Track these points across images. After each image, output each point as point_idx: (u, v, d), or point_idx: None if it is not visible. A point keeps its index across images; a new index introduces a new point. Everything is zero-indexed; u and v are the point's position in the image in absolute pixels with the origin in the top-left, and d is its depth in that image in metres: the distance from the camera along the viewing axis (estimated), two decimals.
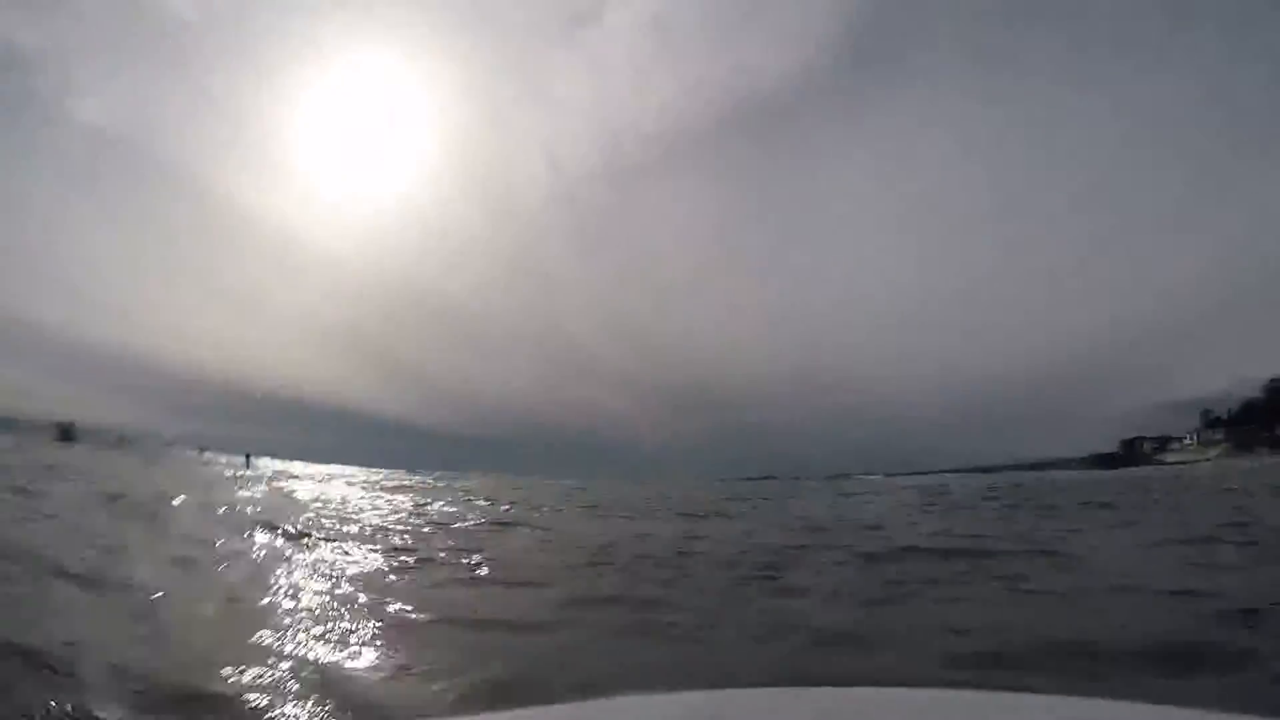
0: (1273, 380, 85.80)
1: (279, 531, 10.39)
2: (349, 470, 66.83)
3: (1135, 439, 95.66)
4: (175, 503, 13.86)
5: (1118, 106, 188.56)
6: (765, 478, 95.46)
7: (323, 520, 13.06)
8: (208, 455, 66.39)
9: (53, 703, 3.06)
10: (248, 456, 62.92)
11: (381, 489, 29.16)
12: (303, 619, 5.24)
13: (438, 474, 69.96)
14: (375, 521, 13.56)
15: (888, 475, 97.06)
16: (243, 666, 3.82)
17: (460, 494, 27.31)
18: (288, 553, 8.77)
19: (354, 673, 4.09)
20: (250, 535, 10.02)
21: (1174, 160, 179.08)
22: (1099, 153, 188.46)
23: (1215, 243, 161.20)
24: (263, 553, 8.70)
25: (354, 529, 11.88)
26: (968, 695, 1.41)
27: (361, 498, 21.84)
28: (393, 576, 7.55)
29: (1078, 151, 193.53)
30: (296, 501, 18.68)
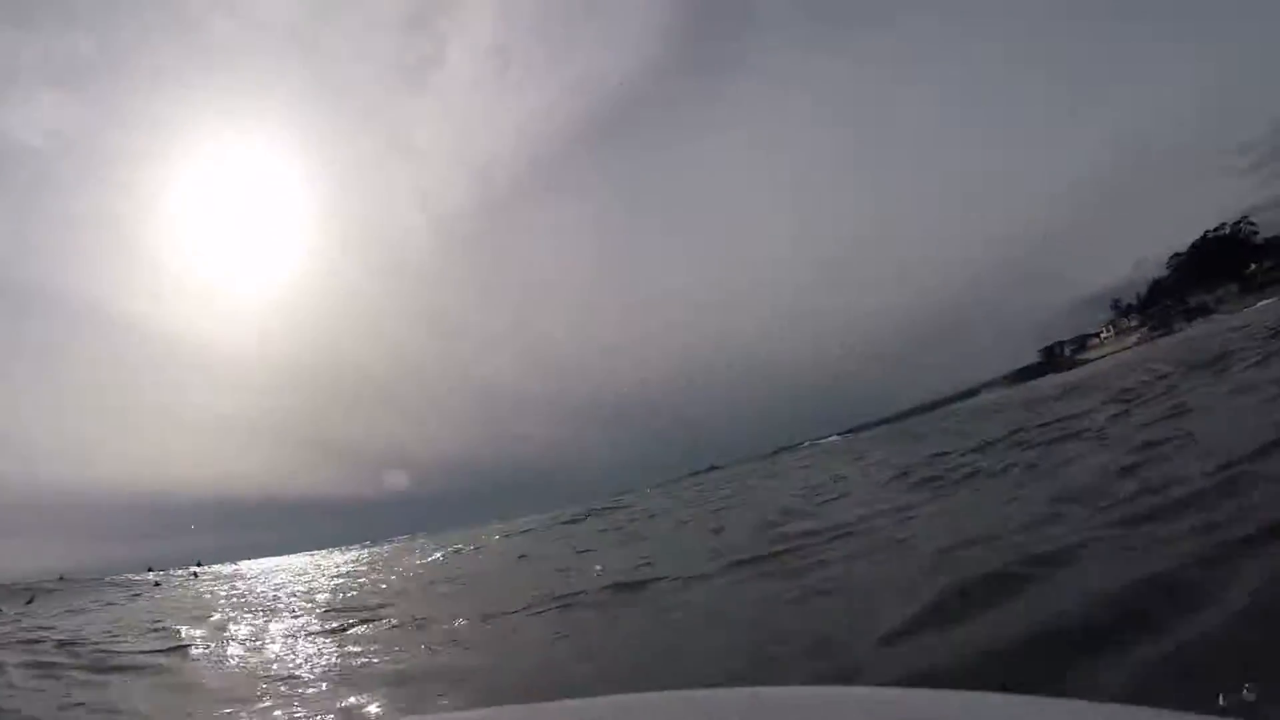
0: (1174, 255, 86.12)
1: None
2: (289, 560, 66.31)
3: (1053, 345, 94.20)
4: None
5: (980, 13, 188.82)
6: (710, 469, 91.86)
7: None
8: (152, 575, 58.26)
9: None
10: (149, 569, 62.29)
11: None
12: None
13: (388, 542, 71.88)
14: None
15: (814, 441, 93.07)
16: None
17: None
18: None
19: None
20: None
21: (1040, 60, 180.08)
22: (960, 68, 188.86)
23: (1090, 136, 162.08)
24: None
25: None
26: (967, 696, 1.39)
27: None
28: None
29: (938, 72, 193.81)
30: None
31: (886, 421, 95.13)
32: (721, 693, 1.47)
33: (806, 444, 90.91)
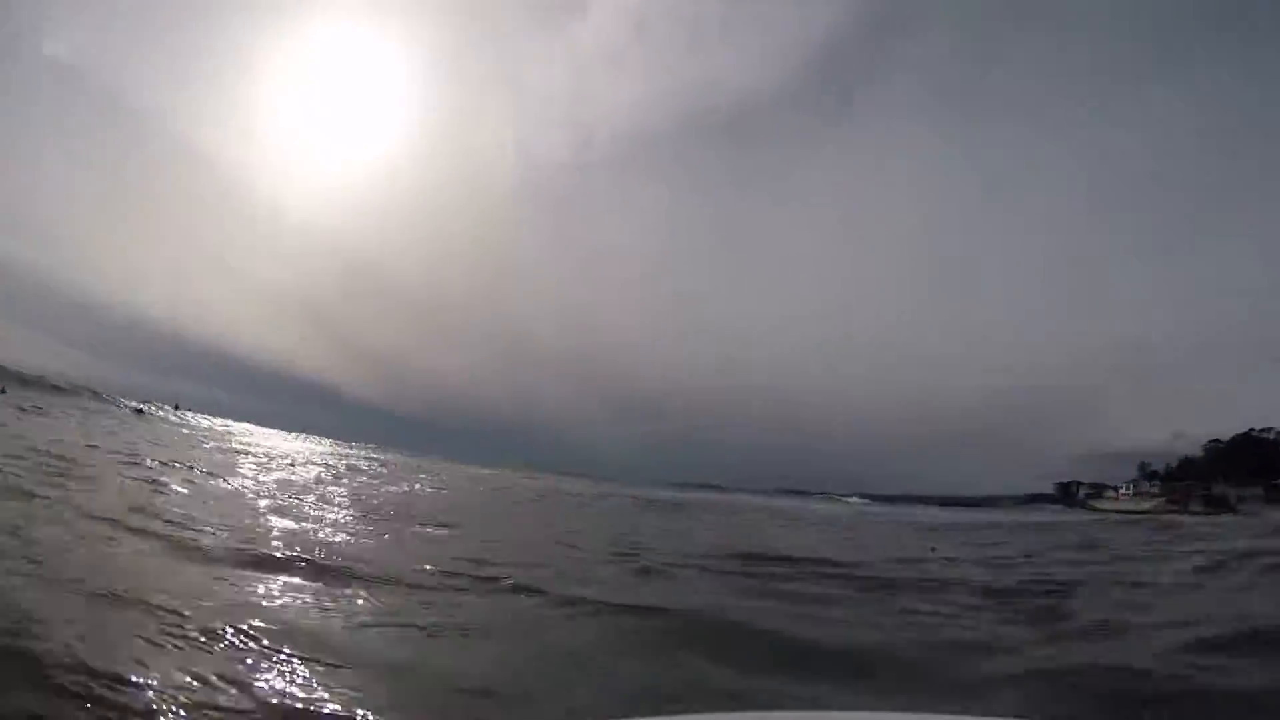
0: (1211, 441, 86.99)
1: None
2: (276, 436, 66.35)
3: (1071, 483, 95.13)
4: None
5: (1076, 153, 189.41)
6: (712, 487, 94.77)
7: None
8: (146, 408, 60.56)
9: None
10: (176, 406, 67.11)
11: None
12: None
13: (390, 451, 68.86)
14: None
15: (824, 495, 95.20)
16: None
17: None
18: None
19: None
20: None
21: (1134, 211, 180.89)
22: (1054, 196, 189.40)
23: (1165, 300, 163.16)
24: None
25: None
26: None
27: None
28: None
29: (1033, 194, 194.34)
30: None
31: (890, 500, 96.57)
32: (727, 717, 1.41)
33: (819, 495, 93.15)
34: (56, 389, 52.19)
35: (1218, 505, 67.25)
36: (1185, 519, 53.16)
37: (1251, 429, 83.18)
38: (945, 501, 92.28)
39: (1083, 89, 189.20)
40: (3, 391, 37.06)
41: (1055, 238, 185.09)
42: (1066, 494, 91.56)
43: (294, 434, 79.87)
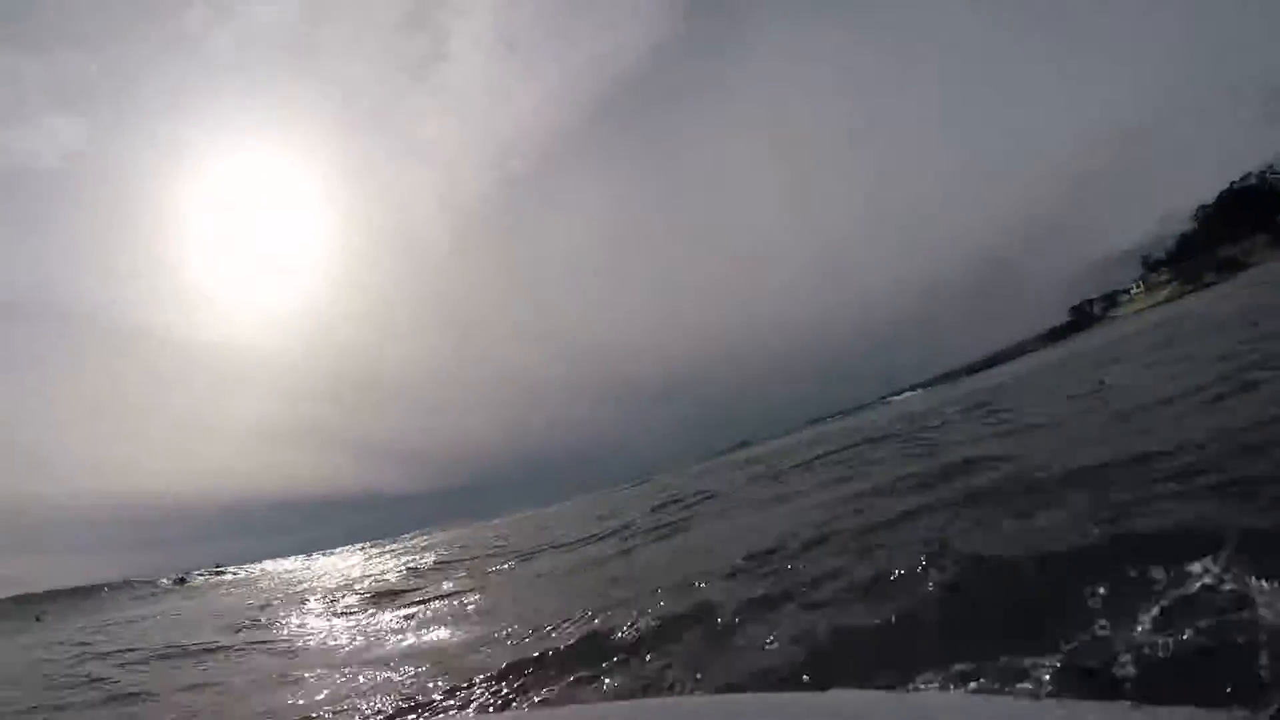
0: (1200, 208, 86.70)
1: None
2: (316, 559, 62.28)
3: (1083, 303, 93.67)
4: None
5: None
6: (740, 445, 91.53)
7: None
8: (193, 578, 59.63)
9: None
10: (181, 578, 59.47)
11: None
12: None
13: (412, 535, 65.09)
14: None
15: (855, 409, 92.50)
16: None
17: None
18: None
19: None
20: None
21: (1057, 11, 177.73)
22: (976, 20, 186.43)
23: (1106, 89, 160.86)
24: None
25: None
26: (954, 697, 1.57)
27: None
28: None
29: (952, 46, 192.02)
30: None
31: (925, 385, 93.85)
32: (720, 699, 1.35)
33: (837, 416, 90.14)
34: (94, 590, 50.89)
35: (1230, 267, 65.99)
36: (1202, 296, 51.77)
37: (1231, 182, 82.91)
38: (974, 368, 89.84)
39: None
40: (39, 619, 35.76)
41: (983, 80, 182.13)
42: (1082, 315, 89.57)
43: (339, 550, 77.12)
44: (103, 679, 9.78)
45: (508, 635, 7.51)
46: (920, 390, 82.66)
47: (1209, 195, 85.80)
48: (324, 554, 74.99)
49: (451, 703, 4.91)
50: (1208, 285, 61.91)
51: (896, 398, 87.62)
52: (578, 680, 5.08)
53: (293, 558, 76.93)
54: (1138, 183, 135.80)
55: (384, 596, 14.66)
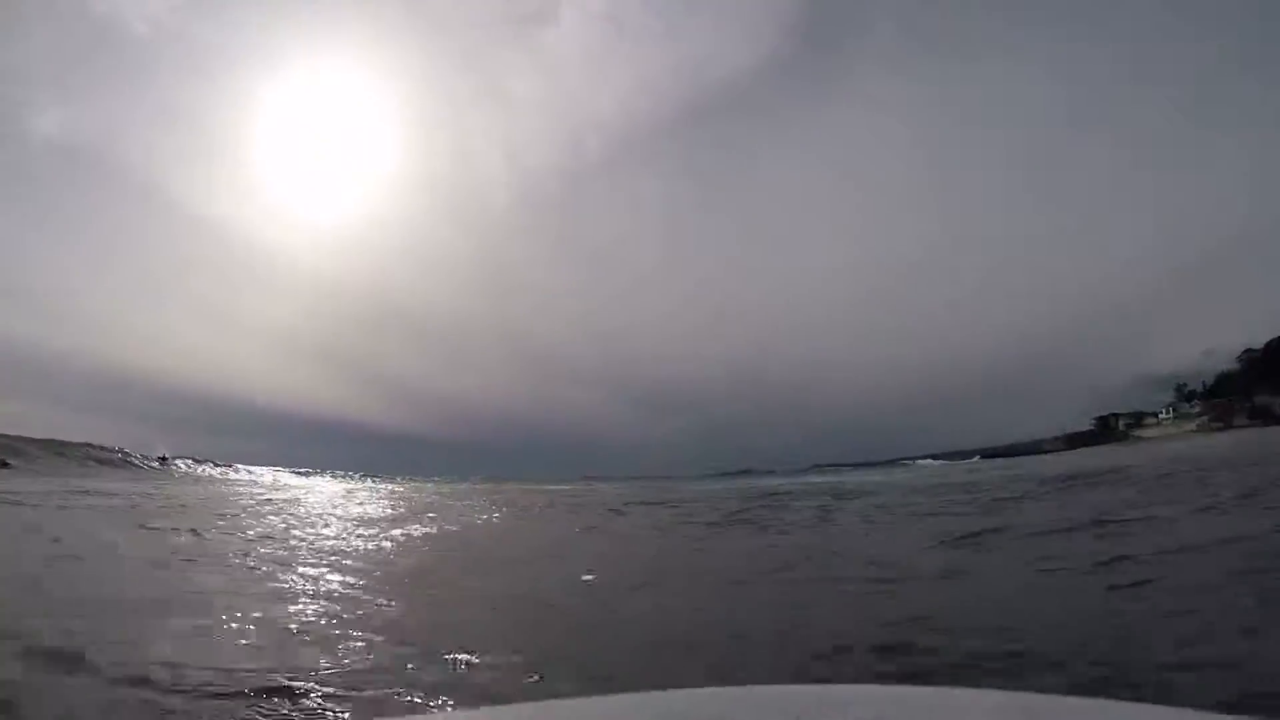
0: (1246, 350, 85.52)
1: None
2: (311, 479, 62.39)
3: (1109, 416, 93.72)
4: None
5: (1064, 74, 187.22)
6: (741, 473, 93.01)
7: None
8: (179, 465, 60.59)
9: None
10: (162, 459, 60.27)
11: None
12: None
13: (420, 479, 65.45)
14: None
15: (857, 465, 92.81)
16: None
17: None
18: None
19: None
20: None
21: (1128, 125, 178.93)
22: (1048, 126, 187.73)
23: (1170, 214, 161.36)
24: None
25: None
26: (942, 692, 1.43)
27: None
28: None
29: (1027, 125, 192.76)
30: None
31: (950, 457, 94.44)
32: (704, 692, 1.42)
33: (849, 467, 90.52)
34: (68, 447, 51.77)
35: (1263, 416, 66.55)
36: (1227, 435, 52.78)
37: None
38: (988, 453, 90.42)
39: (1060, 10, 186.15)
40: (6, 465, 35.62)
41: (1051, 171, 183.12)
42: (1106, 428, 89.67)
43: (319, 473, 77.44)
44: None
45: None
46: (941, 461, 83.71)
47: (1259, 340, 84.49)
48: (315, 474, 74.73)
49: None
50: (1238, 427, 62.80)
51: (916, 462, 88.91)
52: None
53: (276, 469, 75.29)
54: (1190, 312, 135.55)
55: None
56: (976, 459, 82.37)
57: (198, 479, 46.80)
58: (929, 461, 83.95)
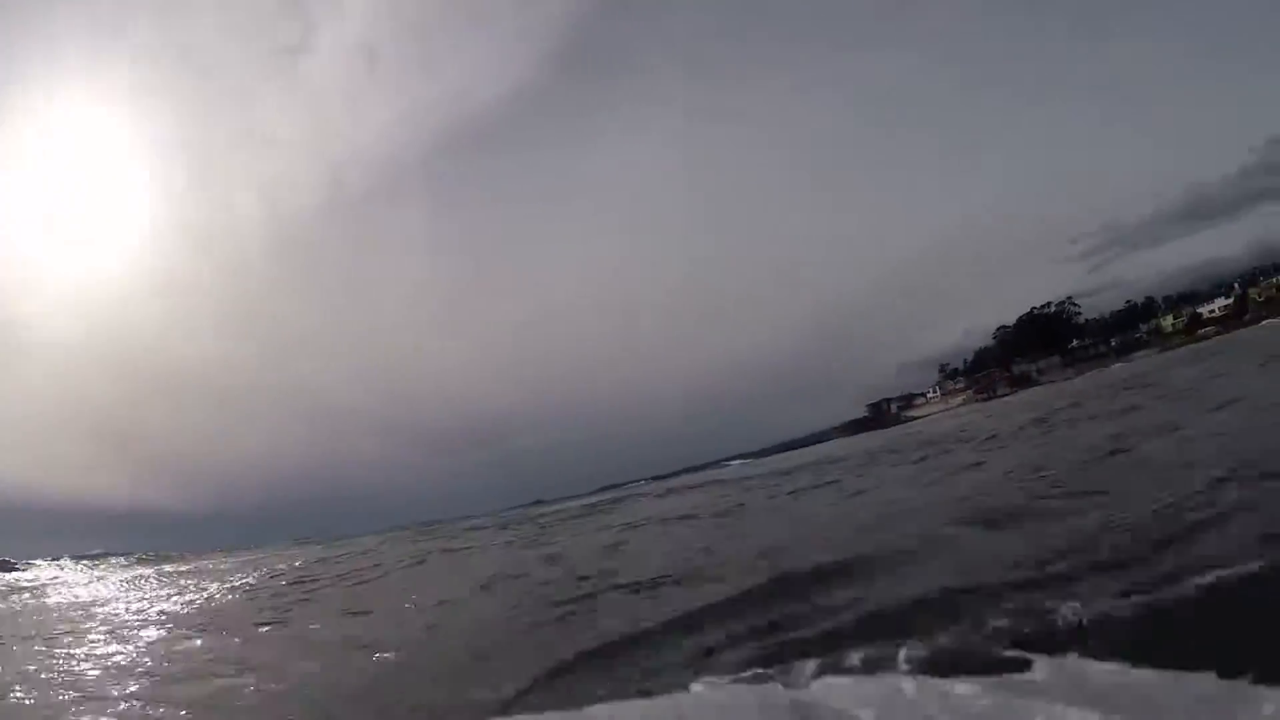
0: (1000, 327, 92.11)
1: None
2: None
3: (881, 401, 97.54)
4: None
5: (833, 101, 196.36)
6: (534, 503, 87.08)
7: None
8: None
9: None
10: None
11: None
12: None
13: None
14: None
15: (655, 479, 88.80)
16: None
17: None
18: None
19: None
20: None
21: (892, 138, 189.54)
22: (820, 136, 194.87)
23: (932, 211, 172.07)
24: None
25: None
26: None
27: None
28: None
29: (805, 139, 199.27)
30: None
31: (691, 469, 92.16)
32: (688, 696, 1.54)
33: (643, 482, 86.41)
34: None
35: (1022, 382, 69.05)
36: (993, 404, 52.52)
37: (1033, 308, 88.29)
38: (772, 450, 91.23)
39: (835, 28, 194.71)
40: None
41: (827, 182, 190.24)
42: (879, 412, 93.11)
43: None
44: None
45: None
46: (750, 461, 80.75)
47: (1012, 318, 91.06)
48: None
49: None
50: (1000, 396, 63.64)
51: (734, 462, 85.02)
52: None
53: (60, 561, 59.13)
54: (947, 300, 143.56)
55: None
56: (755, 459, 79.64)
57: None
58: (736, 462, 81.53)
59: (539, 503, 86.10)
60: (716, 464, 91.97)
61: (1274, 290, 58.80)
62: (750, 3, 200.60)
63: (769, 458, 70.76)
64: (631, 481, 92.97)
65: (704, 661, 4.23)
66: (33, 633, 10.87)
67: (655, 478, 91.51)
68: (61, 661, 7.62)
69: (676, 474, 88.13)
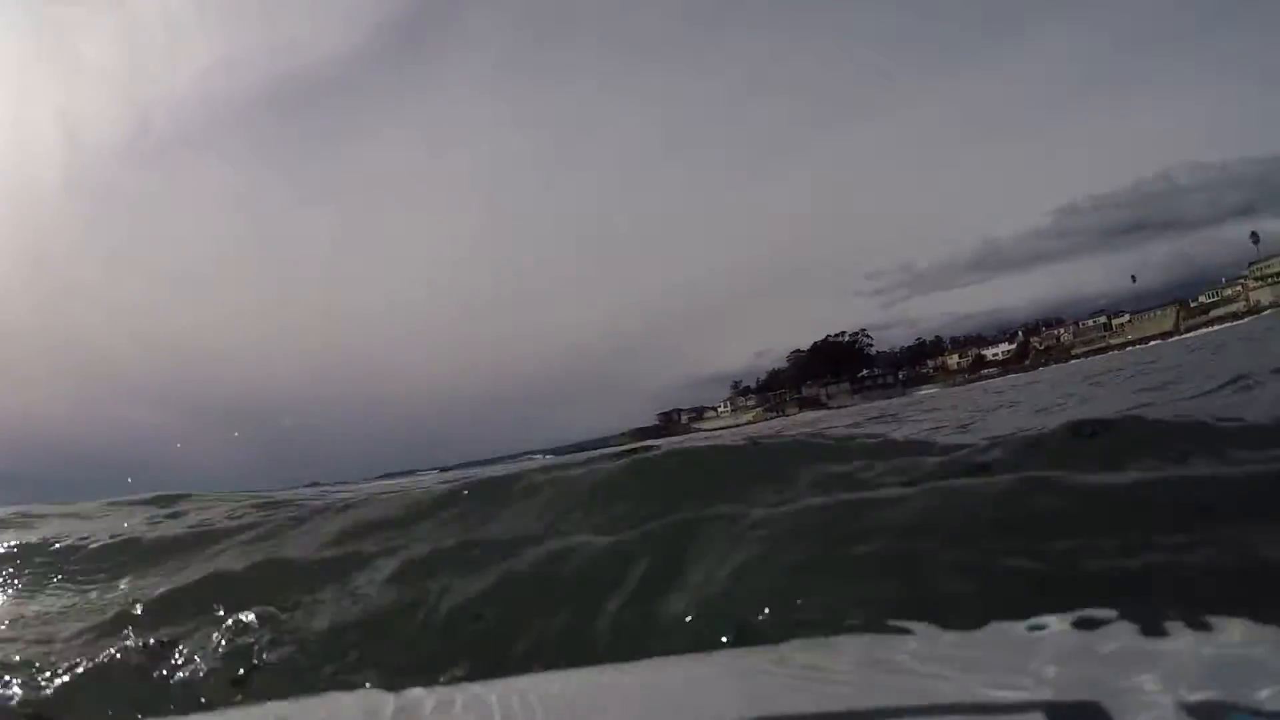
0: (795, 351, 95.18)
1: None
2: None
3: (672, 410, 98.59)
4: None
5: (648, 107, 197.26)
6: (310, 485, 78.10)
7: None
8: None
9: None
10: None
11: None
12: None
13: None
14: None
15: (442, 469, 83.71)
16: None
17: None
18: None
19: None
20: None
21: (701, 158, 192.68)
22: (628, 148, 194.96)
23: (736, 236, 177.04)
24: None
25: None
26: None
27: None
28: None
29: (607, 148, 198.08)
30: None
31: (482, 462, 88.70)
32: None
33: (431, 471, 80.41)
34: None
35: (810, 404, 71.95)
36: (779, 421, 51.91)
37: (827, 336, 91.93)
38: (563, 449, 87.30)
39: (657, 36, 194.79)
40: None
41: (631, 192, 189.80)
42: (669, 421, 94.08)
43: None
44: None
45: None
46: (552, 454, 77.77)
47: (805, 343, 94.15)
48: None
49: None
50: (788, 415, 64.91)
51: (538, 455, 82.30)
52: None
53: None
54: (745, 322, 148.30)
55: None
56: (542, 457, 76.25)
57: None
58: (541, 456, 79.25)
59: (315, 484, 79.10)
60: (514, 458, 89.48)
61: (1053, 340, 63.93)
62: (571, 8, 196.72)
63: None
64: (416, 471, 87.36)
65: None
66: None
67: (442, 468, 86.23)
68: None
69: (465, 465, 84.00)
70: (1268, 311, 58.27)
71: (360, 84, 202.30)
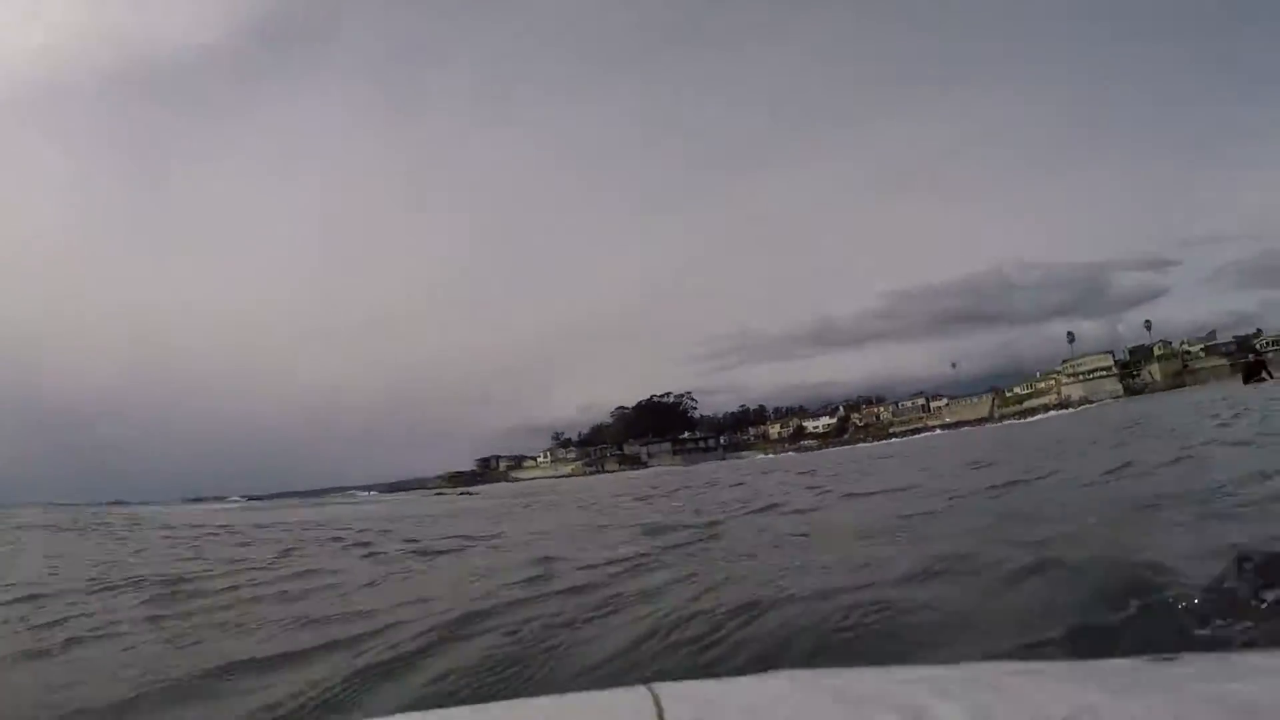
0: (619, 408, 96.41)
1: None
2: None
3: (490, 457, 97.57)
4: None
5: (505, 147, 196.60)
6: (114, 502, 69.09)
7: None
8: None
9: None
10: None
11: None
12: None
13: None
14: None
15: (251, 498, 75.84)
16: None
17: None
18: None
19: None
20: None
21: (528, 228, 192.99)
22: (476, 196, 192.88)
23: (570, 290, 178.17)
24: None
25: None
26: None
27: None
28: None
29: (463, 189, 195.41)
30: None
31: (299, 494, 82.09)
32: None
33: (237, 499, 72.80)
34: None
35: (631, 462, 71.92)
36: (601, 478, 51.84)
37: (652, 395, 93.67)
38: (383, 488, 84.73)
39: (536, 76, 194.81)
40: None
41: (476, 234, 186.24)
42: (487, 468, 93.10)
43: None
44: None
45: None
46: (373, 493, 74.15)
47: (630, 401, 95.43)
48: None
49: None
50: (608, 471, 65.10)
51: (358, 491, 77.56)
52: None
53: None
54: (576, 374, 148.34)
55: None
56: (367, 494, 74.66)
57: None
58: (361, 493, 75.66)
59: (119, 502, 71.13)
60: (330, 492, 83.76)
61: (873, 417, 68.45)
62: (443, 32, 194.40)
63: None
64: (226, 497, 78.82)
65: None
66: None
67: (251, 497, 78.62)
68: None
69: (280, 496, 77.67)
70: (1079, 406, 65.48)
71: (215, 84, 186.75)
